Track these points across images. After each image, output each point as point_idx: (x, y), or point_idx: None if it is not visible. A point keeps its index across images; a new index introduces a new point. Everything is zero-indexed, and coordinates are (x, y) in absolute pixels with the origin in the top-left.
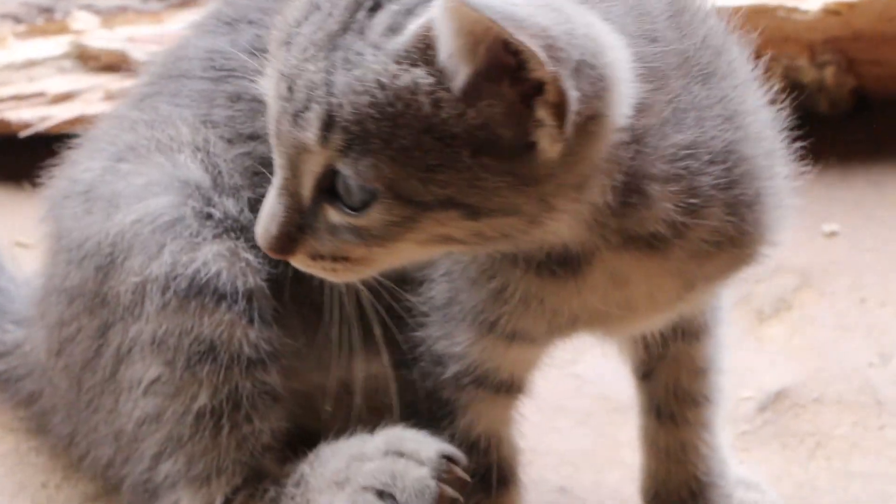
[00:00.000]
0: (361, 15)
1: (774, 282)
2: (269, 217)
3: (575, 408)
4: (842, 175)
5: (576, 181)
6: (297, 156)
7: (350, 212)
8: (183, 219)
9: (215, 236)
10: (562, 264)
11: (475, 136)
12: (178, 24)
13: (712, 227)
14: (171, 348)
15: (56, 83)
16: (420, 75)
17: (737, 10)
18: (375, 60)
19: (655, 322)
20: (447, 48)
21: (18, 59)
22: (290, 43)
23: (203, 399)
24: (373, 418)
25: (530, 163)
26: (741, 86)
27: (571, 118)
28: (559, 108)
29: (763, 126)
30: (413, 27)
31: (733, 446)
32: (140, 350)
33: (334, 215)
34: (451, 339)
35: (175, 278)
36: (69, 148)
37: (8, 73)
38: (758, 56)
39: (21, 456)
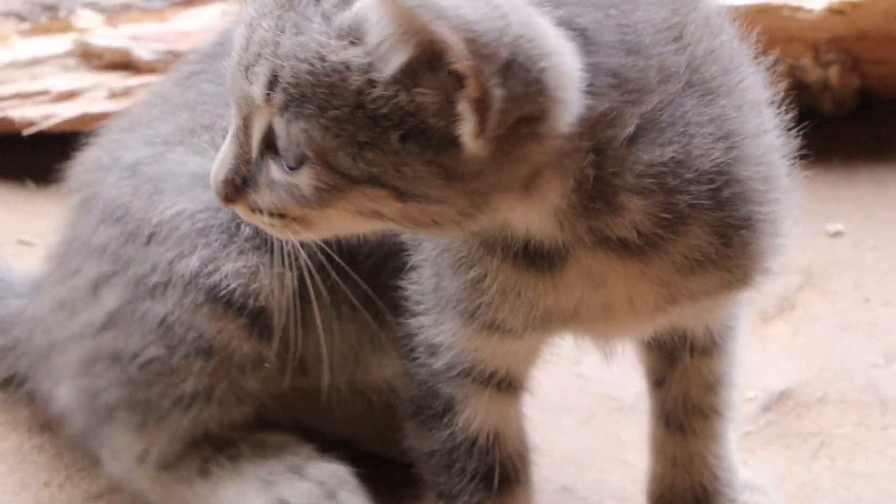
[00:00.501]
0: None
1: (778, 281)
2: (219, 162)
3: (578, 407)
4: (846, 175)
5: (514, 181)
6: (246, 108)
7: (287, 170)
8: (218, 226)
9: (241, 252)
10: (538, 258)
11: (405, 121)
12: (182, 22)
13: (693, 244)
14: (176, 336)
15: (59, 81)
16: (357, 54)
17: (742, 9)
18: (319, 31)
19: (639, 329)
20: (378, 33)
21: (22, 57)
22: None
23: (188, 387)
24: (381, 418)
25: (457, 157)
26: (746, 107)
27: (495, 116)
28: (481, 105)
29: (765, 151)
30: (358, 6)
31: (737, 446)
32: (142, 326)
33: (275, 171)
34: (439, 328)
35: (197, 283)
36: (95, 136)
37: (11, 71)
38: (772, 72)
39: (23, 454)
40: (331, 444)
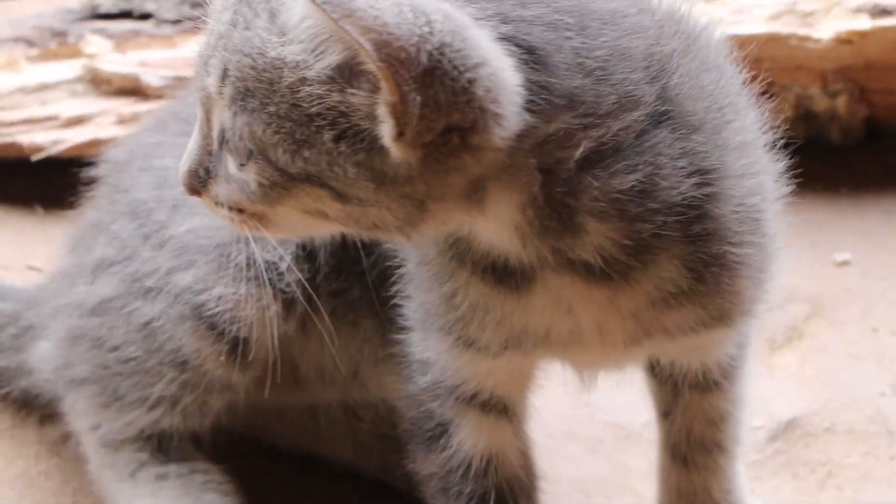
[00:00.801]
0: None
1: (786, 310)
2: (186, 152)
3: (586, 435)
4: (853, 204)
5: (451, 191)
6: (206, 100)
7: (239, 165)
8: (217, 248)
9: (232, 279)
10: (507, 275)
11: (338, 122)
12: (191, 48)
13: (663, 276)
14: (156, 342)
15: (68, 107)
16: (292, 52)
17: (750, 38)
18: (263, 26)
19: (615, 361)
20: (306, 31)
21: (31, 83)
22: None
23: (156, 391)
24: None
25: (385, 161)
26: (732, 146)
27: (414, 121)
28: (398, 108)
29: (747, 193)
30: (297, 4)
31: (746, 477)
32: (128, 323)
33: (231, 165)
34: (425, 343)
35: (186, 298)
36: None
37: (20, 96)
38: (774, 116)
39: (31, 479)
40: (336, 473)
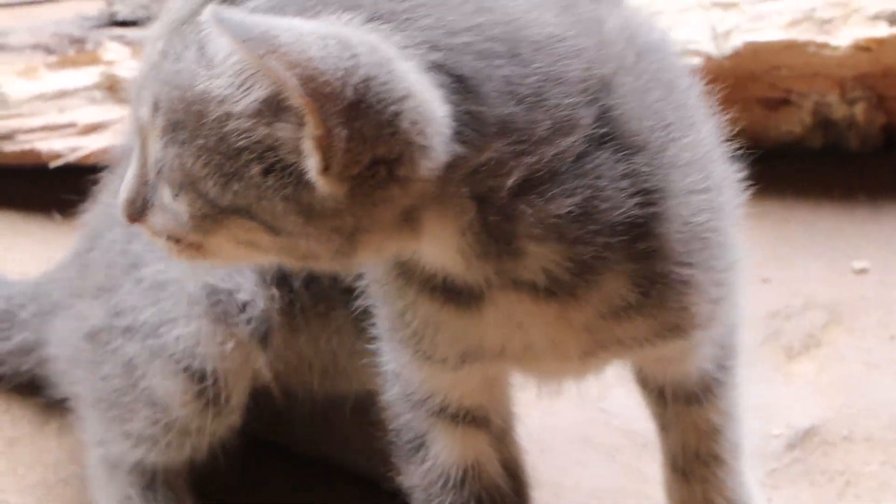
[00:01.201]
0: None
1: (803, 318)
2: (125, 181)
3: (602, 442)
4: (872, 212)
5: (381, 223)
6: (140, 128)
7: (173, 196)
8: (176, 283)
9: (189, 317)
10: (455, 293)
11: (265, 156)
12: None
13: (611, 292)
14: (133, 378)
15: (87, 114)
16: (219, 85)
17: (768, 45)
18: (192, 59)
19: (575, 372)
20: (232, 66)
21: (49, 90)
22: (163, 15)
23: (135, 427)
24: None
25: (312, 195)
26: (680, 164)
27: (340, 155)
28: (323, 142)
29: (695, 211)
30: (223, 38)
31: (762, 484)
32: (114, 358)
33: (166, 195)
34: (391, 355)
35: (151, 336)
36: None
37: (38, 103)
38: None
39: (50, 487)
40: (351, 479)
